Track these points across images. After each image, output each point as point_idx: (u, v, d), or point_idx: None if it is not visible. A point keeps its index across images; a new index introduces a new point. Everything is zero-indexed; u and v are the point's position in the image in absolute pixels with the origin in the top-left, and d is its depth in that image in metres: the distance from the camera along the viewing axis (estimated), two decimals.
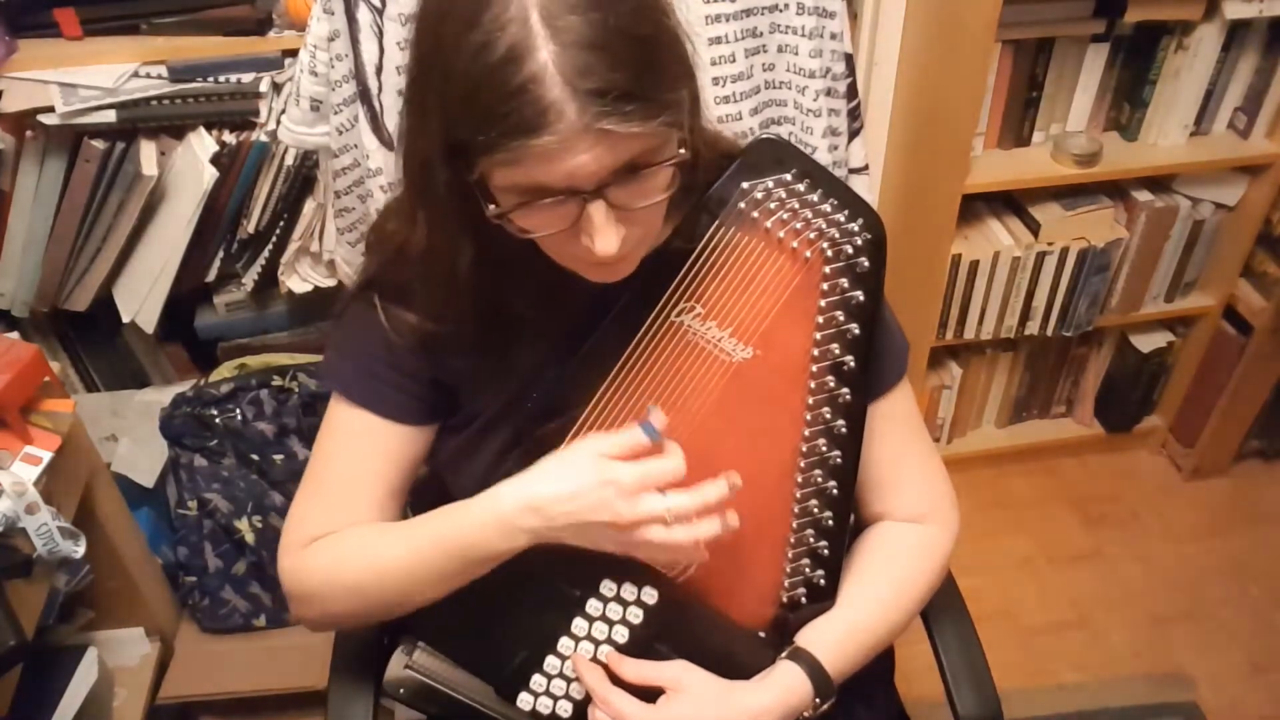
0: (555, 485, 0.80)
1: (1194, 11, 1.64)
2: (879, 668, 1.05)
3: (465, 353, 0.91)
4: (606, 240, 0.71)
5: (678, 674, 0.87)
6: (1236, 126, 1.80)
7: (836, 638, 0.90)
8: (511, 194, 0.71)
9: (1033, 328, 1.94)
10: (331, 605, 0.92)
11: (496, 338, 0.90)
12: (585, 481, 0.79)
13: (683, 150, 0.72)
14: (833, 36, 1.17)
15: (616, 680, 0.88)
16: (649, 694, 0.87)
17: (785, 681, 0.87)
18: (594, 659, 0.90)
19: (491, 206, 0.72)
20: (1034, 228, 1.84)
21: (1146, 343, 2.04)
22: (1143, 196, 1.85)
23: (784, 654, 0.89)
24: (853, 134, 1.27)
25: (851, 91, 1.24)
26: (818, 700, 0.87)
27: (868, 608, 0.93)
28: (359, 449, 0.93)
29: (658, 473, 0.79)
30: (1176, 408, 2.13)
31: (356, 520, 0.93)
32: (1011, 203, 1.89)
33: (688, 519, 0.79)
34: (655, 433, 0.81)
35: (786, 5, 1.14)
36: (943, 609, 1.06)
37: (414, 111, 0.75)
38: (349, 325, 0.94)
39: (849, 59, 1.22)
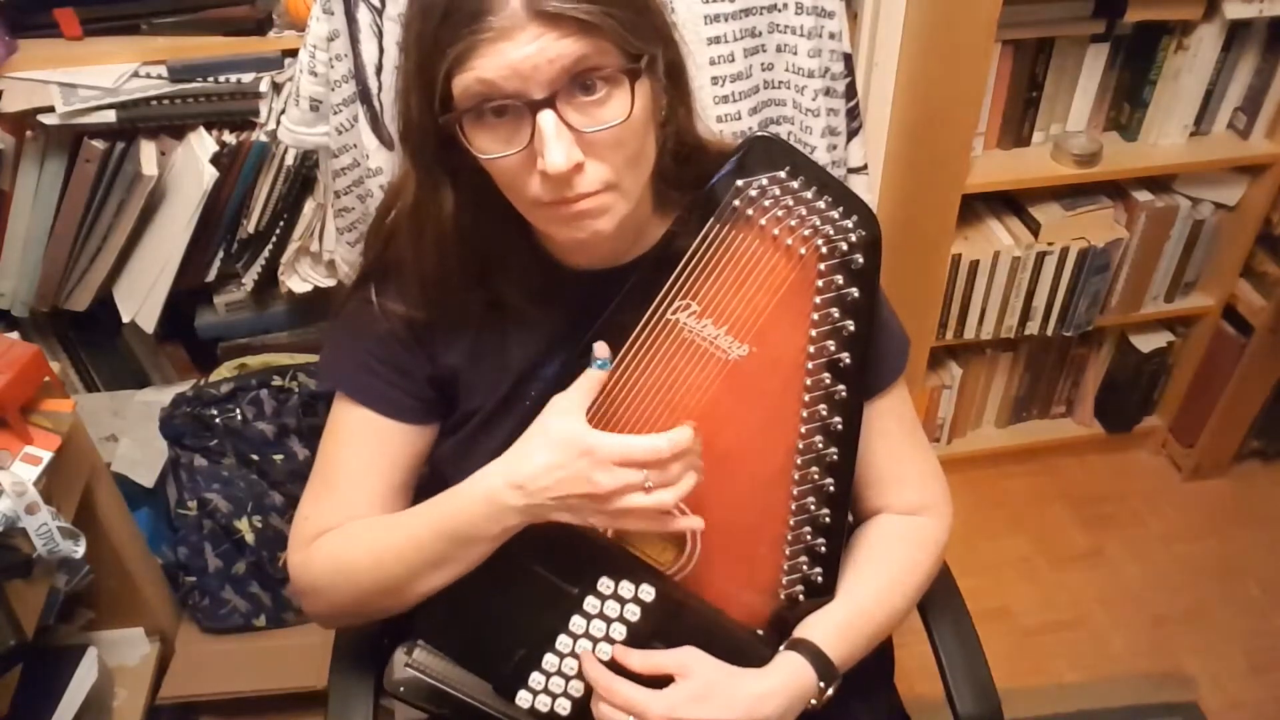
0: (535, 460, 0.80)
1: (1194, 11, 1.64)
2: (879, 666, 1.05)
3: (460, 348, 0.91)
4: (554, 152, 0.72)
5: (685, 660, 0.88)
6: (1236, 126, 1.80)
7: (836, 625, 0.91)
8: (467, 102, 0.73)
9: (1033, 328, 1.94)
10: (334, 596, 0.92)
11: (492, 334, 0.91)
12: (564, 454, 0.79)
13: (639, 76, 0.74)
14: (831, 36, 1.17)
15: (623, 673, 0.88)
16: (654, 687, 0.87)
17: (789, 669, 0.88)
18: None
19: (449, 115, 0.74)
20: (1034, 228, 1.84)
21: (1146, 343, 2.04)
22: (1143, 196, 1.85)
23: (784, 645, 0.90)
24: (851, 134, 1.27)
25: (850, 91, 1.24)
26: (822, 684, 0.87)
27: (866, 596, 0.93)
28: (362, 447, 0.94)
29: (639, 449, 0.79)
30: (1176, 408, 2.13)
31: (362, 516, 0.93)
32: (1011, 203, 1.89)
33: (667, 482, 0.79)
34: (606, 364, 0.83)
35: (785, 5, 1.14)
36: (942, 608, 1.06)
37: (403, 61, 0.78)
38: (346, 325, 0.95)
39: (848, 59, 1.22)
